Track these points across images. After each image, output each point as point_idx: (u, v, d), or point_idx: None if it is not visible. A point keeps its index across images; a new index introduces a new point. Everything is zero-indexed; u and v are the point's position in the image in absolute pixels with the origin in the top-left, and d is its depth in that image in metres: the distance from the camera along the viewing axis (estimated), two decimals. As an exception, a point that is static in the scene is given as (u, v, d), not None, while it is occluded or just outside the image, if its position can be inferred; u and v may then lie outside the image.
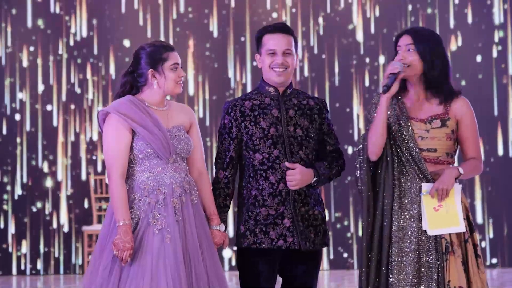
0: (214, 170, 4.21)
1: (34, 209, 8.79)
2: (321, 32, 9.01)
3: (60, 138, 8.85)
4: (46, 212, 8.78)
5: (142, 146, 3.94)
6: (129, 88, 4.06)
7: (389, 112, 4.00)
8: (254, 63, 8.83)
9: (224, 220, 4.14)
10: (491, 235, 8.94)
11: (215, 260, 4.01)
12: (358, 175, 4.02)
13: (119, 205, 3.88)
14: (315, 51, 9.02)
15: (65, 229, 8.78)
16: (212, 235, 4.06)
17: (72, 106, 8.88)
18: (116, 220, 3.88)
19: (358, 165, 4.03)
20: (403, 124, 3.98)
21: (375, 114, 4.00)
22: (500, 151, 9.01)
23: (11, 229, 8.78)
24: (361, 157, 4.02)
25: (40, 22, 8.89)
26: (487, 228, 8.94)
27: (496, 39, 8.98)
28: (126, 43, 8.92)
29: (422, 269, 3.89)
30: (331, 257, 8.93)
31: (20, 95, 8.84)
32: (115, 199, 3.89)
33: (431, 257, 3.89)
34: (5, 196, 8.80)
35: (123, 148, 3.93)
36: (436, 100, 3.99)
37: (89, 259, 8.09)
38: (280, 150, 4.10)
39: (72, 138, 8.86)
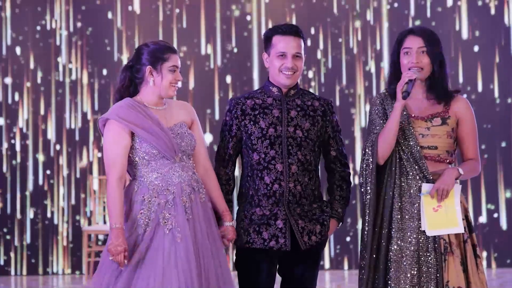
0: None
1: (33, 210, 8.79)
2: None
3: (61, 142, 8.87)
4: (46, 213, 8.79)
5: (147, 148, 3.95)
6: (129, 83, 4.06)
7: (388, 113, 4.03)
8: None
9: None
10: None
11: (222, 259, 4.03)
12: (364, 179, 3.99)
13: (114, 208, 3.90)
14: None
15: (66, 229, 8.78)
16: (225, 232, 4.09)
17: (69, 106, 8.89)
18: (110, 223, 3.90)
19: (364, 169, 3.99)
20: (404, 123, 3.99)
21: (376, 116, 4.05)
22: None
23: (11, 230, 8.79)
24: (369, 160, 3.99)
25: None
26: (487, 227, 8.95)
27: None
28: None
29: (422, 269, 3.90)
30: (332, 256, 8.93)
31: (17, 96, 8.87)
32: (110, 202, 3.91)
33: (430, 257, 3.90)
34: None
35: (122, 151, 3.94)
36: (436, 99, 4.02)
37: (89, 259, 8.17)
38: (277, 150, 4.09)
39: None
